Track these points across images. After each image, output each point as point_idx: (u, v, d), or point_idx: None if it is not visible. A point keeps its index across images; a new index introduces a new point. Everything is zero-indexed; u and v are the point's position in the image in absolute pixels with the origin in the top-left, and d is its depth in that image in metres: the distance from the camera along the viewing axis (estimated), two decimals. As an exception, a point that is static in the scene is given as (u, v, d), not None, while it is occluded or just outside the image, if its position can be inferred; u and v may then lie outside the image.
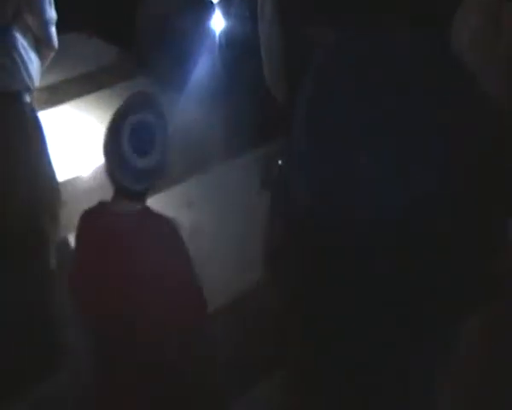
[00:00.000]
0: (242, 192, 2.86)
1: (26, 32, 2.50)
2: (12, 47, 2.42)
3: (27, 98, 2.54)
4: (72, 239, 2.65)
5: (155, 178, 1.68)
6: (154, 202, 2.78)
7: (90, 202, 2.79)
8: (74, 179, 3.02)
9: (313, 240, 1.21)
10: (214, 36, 3.53)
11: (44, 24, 2.52)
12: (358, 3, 2.07)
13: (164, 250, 1.66)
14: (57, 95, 3.72)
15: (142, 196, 1.71)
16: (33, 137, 2.45)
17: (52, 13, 2.55)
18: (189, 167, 3.04)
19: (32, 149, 2.43)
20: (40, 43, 2.59)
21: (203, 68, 3.51)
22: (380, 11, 1.36)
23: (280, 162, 2.66)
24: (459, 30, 1.94)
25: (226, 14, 3.49)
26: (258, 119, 3.18)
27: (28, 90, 2.53)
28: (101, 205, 1.78)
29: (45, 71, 2.87)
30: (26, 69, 2.47)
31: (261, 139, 3.16)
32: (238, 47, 3.47)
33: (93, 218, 1.81)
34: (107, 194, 2.88)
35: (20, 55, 2.46)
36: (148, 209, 1.73)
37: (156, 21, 3.93)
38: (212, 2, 3.52)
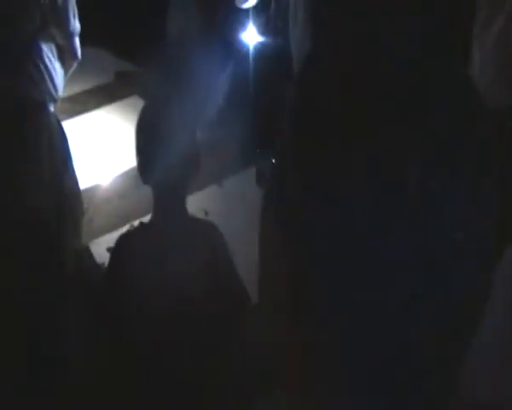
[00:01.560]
0: (258, 201, 2.91)
1: (52, 42, 2.57)
2: (38, 58, 2.50)
3: (52, 108, 2.61)
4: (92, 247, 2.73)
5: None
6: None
7: (111, 210, 2.90)
8: (95, 187, 3.09)
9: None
10: (248, 50, 3.54)
11: (69, 35, 2.60)
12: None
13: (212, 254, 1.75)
14: (77, 105, 3.81)
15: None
16: (58, 145, 2.52)
17: (76, 24, 2.62)
18: (205, 177, 3.10)
19: (57, 157, 2.50)
20: (64, 54, 2.66)
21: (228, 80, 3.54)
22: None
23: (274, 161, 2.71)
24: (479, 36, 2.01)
25: (260, 25, 3.47)
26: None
27: (53, 99, 2.60)
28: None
29: (67, 82, 2.95)
30: (52, 79, 2.55)
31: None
32: (273, 60, 3.47)
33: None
34: (127, 202, 2.98)
35: (46, 66, 2.53)
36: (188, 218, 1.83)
37: (180, 34, 4.00)
38: (245, 11, 3.46)
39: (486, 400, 0.99)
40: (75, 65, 2.76)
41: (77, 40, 2.67)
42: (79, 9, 2.69)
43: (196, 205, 2.95)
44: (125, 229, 2.77)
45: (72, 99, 3.82)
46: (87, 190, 2.96)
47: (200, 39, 3.69)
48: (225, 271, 1.85)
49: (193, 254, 1.81)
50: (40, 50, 2.52)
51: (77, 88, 3.98)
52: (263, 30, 3.47)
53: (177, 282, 1.76)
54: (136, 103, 3.96)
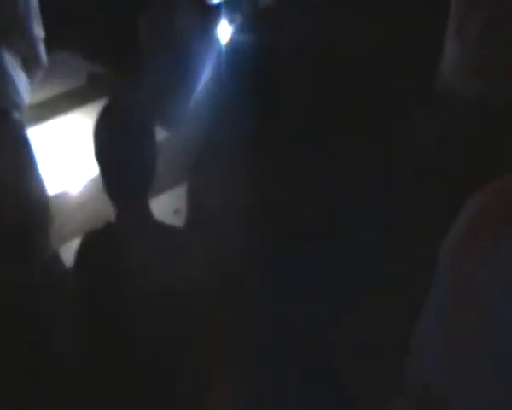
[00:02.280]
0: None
1: (13, 50, 2.56)
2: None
3: (16, 115, 2.60)
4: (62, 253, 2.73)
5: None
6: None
7: (83, 215, 2.90)
8: (66, 193, 3.09)
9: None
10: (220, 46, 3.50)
11: (32, 42, 2.57)
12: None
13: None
14: (46, 110, 3.80)
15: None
16: (21, 152, 2.51)
17: (39, 31, 2.60)
18: (175, 176, 3.11)
19: (20, 164, 2.50)
20: (28, 62, 2.64)
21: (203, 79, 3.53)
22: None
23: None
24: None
25: (233, 19, 3.47)
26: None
27: (17, 107, 2.59)
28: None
29: (35, 87, 2.94)
30: (14, 87, 2.53)
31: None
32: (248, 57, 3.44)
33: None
34: (97, 208, 2.99)
35: (8, 74, 2.51)
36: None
37: (154, 34, 4.01)
38: (217, 6, 3.51)
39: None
40: (41, 72, 2.75)
41: (41, 47, 2.64)
42: (48, 13, 2.69)
43: (167, 204, 2.97)
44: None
45: (43, 104, 3.82)
46: (58, 196, 2.96)
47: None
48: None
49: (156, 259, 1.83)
50: (1, 58, 2.51)
51: (48, 92, 3.98)
52: (235, 25, 3.46)
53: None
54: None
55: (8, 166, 2.46)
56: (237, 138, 2.33)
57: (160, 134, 3.53)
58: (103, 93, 4.05)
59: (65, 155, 3.45)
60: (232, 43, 3.44)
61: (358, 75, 2.59)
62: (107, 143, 1.80)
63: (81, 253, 1.93)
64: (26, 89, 2.65)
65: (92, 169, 3.30)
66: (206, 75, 3.52)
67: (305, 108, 2.17)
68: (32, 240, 2.48)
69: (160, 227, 1.91)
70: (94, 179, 3.20)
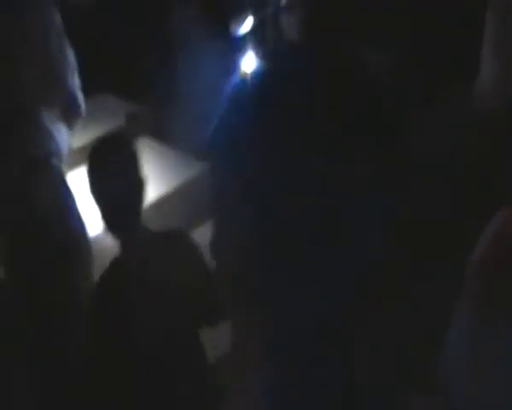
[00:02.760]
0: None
1: (52, 104, 2.64)
2: (38, 121, 2.56)
3: (56, 161, 2.69)
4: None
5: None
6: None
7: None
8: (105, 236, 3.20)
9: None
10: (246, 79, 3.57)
11: (70, 96, 2.64)
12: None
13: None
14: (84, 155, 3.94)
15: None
16: (60, 196, 2.62)
17: (75, 81, 2.66)
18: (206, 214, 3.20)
19: (60, 207, 2.60)
20: (67, 112, 2.72)
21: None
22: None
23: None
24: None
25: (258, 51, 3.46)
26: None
27: (58, 155, 2.69)
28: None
29: (75, 132, 3.03)
30: (53, 140, 2.61)
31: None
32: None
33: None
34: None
35: (47, 129, 2.58)
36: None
37: (186, 72, 4.12)
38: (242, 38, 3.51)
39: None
40: (79, 119, 2.81)
41: (79, 96, 2.70)
42: (83, 57, 2.75)
43: (205, 238, 3.03)
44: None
45: (84, 148, 3.96)
46: (99, 237, 3.06)
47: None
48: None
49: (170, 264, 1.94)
50: (40, 114, 2.57)
51: (89, 136, 4.13)
52: (261, 55, 3.50)
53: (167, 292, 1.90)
54: (148, 145, 4.10)
55: (49, 209, 2.57)
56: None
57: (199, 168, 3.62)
58: (142, 132, 4.19)
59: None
60: (257, 75, 3.50)
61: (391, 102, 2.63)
62: (96, 179, 1.91)
63: (97, 296, 2.02)
64: (65, 138, 2.73)
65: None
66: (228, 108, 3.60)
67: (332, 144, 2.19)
68: (73, 280, 2.60)
69: (166, 242, 2.00)
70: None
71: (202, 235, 3.07)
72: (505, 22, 2.10)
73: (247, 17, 3.28)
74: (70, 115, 2.73)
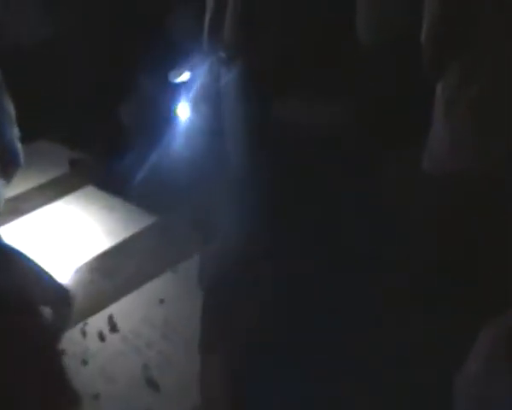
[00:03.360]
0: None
1: None
2: None
3: None
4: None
5: None
6: (127, 301, 2.83)
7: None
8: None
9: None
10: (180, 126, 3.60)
11: (7, 147, 2.52)
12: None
13: None
14: (28, 202, 3.76)
15: None
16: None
17: (14, 131, 2.56)
18: (160, 264, 3.05)
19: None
20: (4, 164, 2.59)
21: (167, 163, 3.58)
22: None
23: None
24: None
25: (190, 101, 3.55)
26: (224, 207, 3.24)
27: None
28: None
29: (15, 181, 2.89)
30: None
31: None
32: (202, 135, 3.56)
33: None
34: (90, 293, 2.91)
35: None
36: None
37: (133, 119, 4.04)
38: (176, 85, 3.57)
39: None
40: (17, 170, 2.69)
41: (17, 146, 2.59)
42: (22, 104, 2.66)
43: (151, 293, 2.89)
44: (77, 328, 2.69)
45: (21, 197, 3.78)
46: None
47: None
48: None
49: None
50: None
51: (30, 183, 3.95)
52: (195, 106, 3.55)
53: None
54: (92, 193, 3.95)
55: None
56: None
57: (145, 220, 3.51)
58: (86, 179, 4.04)
59: (51, 244, 3.38)
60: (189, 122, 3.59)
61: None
62: None
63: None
64: (2, 193, 2.59)
65: (81, 256, 3.30)
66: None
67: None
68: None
69: None
70: (82, 267, 3.16)
71: (151, 288, 2.96)
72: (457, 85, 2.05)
73: (185, 70, 3.33)
74: (8, 168, 2.59)
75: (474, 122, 1.97)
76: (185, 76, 3.36)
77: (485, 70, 1.95)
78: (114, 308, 2.79)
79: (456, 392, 0.99)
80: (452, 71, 2.01)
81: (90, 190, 3.96)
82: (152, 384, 2.36)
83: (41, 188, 3.98)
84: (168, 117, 3.62)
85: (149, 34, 3.88)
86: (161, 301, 2.81)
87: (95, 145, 4.13)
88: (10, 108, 2.54)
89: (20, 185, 3.89)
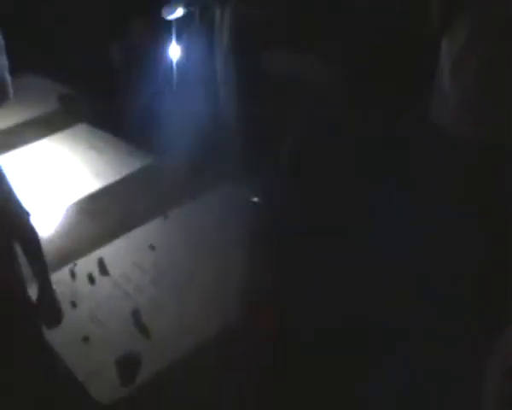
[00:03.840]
0: (204, 231, 2.84)
1: None
2: None
3: None
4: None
5: None
6: (117, 245, 2.80)
7: (51, 250, 2.78)
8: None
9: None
10: (172, 66, 3.55)
11: None
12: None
13: None
14: (16, 137, 3.68)
15: None
16: None
17: (3, 61, 2.49)
18: (150, 210, 3.01)
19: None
20: None
21: (158, 104, 3.52)
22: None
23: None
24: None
25: (182, 41, 3.49)
26: (215, 155, 3.21)
27: None
28: None
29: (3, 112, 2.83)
30: None
31: (219, 177, 3.17)
32: (193, 76, 3.51)
33: None
34: (69, 240, 2.87)
35: None
36: None
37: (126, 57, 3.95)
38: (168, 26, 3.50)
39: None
40: (6, 101, 2.64)
41: (6, 76, 2.53)
42: (13, 36, 2.59)
43: (141, 239, 2.86)
44: (66, 269, 2.67)
45: (12, 130, 3.69)
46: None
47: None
48: None
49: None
50: None
51: (17, 118, 3.85)
52: (187, 45, 3.50)
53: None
54: (83, 131, 3.87)
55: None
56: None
57: (136, 163, 3.45)
58: (77, 116, 3.95)
59: (37, 181, 3.32)
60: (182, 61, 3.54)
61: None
62: None
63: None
64: None
65: (70, 196, 3.24)
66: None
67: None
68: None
69: None
70: (73, 205, 3.12)
71: (141, 233, 2.93)
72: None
73: (178, 5, 3.24)
74: None
75: (481, 85, 1.93)
76: (179, 12, 3.27)
77: (494, 26, 1.89)
78: (104, 251, 2.76)
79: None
80: (460, 26, 1.94)
81: (81, 127, 3.92)
82: (142, 329, 2.35)
83: (29, 123, 3.90)
84: (160, 56, 3.55)
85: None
86: (152, 247, 2.78)
87: (85, 82, 4.03)
88: (0, 38, 2.46)
89: (7, 119, 3.81)
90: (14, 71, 2.60)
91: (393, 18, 2.40)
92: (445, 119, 2.04)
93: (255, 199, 2.97)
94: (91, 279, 2.60)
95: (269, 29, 3.19)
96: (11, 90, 2.52)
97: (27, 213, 2.45)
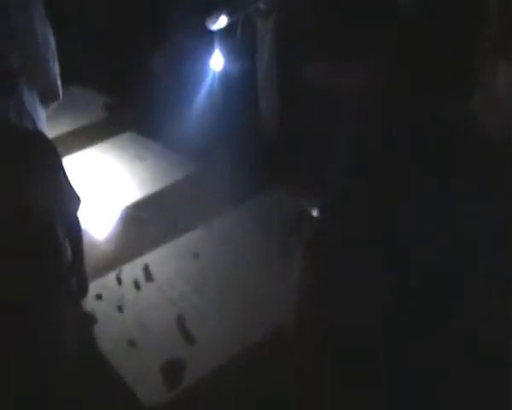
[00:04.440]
0: (247, 242, 2.88)
1: (32, 85, 2.56)
2: (19, 102, 2.47)
3: None
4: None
5: None
6: (162, 253, 2.85)
7: (97, 255, 2.84)
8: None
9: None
10: (214, 76, 3.61)
11: (49, 77, 2.60)
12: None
13: None
14: (64, 146, 3.77)
15: None
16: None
17: (56, 67, 2.63)
18: (193, 218, 3.06)
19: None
20: (45, 95, 2.66)
21: (201, 113, 3.58)
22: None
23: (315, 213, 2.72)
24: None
25: (225, 52, 3.56)
26: (258, 163, 3.25)
27: None
28: None
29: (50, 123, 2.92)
30: (33, 122, 2.53)
31: (262, 186, 3.21)
32: (235, 87, 3.57)
33: None
34: (115, 246, 2.93)
35: (27, 110, 2.51)
36: None
37: (165, 67, 4.04)
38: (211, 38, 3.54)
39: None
40: (56, 104, 2.77)
41: (58, 82, 2.67)
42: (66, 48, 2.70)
43: (185, 247, 2.91)
44: (113, 275, 2.73)
45: (57, 140, 3.78)
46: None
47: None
48: None
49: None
50: (21, 95, 2.50)
51: (65, 127, 3.95)
52: (229, 55, 3.56)
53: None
54: (130, 139, 3.94)
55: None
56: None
57: (183, 170, 3.50)
58: (123, 125, 4.04)
59: (83, 190, 3.39)
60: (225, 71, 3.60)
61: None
62: None
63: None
64: (43, 122, 2.66)
65: (110, 206, 3.31)
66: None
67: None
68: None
69: None
70: (119, 212, 3.19)
71: (184, 242, 2.98)
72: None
73: (221, 15, 3.29)
74: (49, 99, 2.67)
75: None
76: (222, 22, 3.32)
77: None
78: (149, 258, 2.82)
79: None
80: None
81: (126, 136, 4.00)
82: (187, 336, 2.39)
83: (75, 133, 3.99)
84: (202, 67, 3.62)
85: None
86: (195, 255, 2.82)
87: (129, 92, 4.12)
88: (53, 45, 2.60)
89: (54, 130, 3.90)
90: (61, 82, 2.73)
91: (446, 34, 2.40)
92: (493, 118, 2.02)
93: (304, 207, 2.99)
94: (137, 285, 2.66)
95: (311, 40, 3.22)
96: (61, 93, 2.68)
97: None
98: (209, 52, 3.55)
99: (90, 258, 2.71)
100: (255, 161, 3.28)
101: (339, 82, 3.11)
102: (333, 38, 3.13)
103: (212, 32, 3.44)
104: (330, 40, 3.15)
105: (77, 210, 2.43)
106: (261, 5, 3.35)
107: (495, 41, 1.97)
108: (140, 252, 2.87)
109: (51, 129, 3.63)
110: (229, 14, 3.33)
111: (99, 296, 2.60)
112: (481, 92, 2.09)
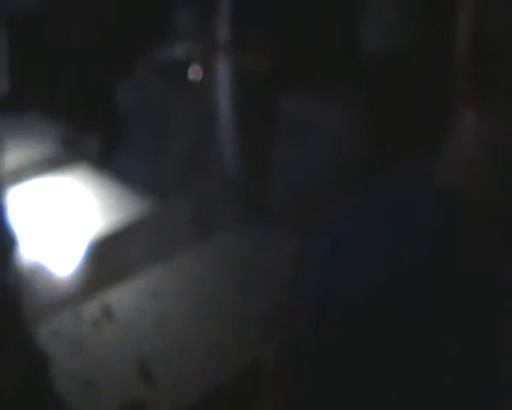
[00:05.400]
0: (209, 277, 2.85)
1: None
2: None
3: None
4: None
5: None
6: (122, 290, 2.79)
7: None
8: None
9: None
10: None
11: None
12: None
13: None
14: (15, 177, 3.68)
15: None
16: None
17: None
18: (153, 255, 3.01)
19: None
20: None
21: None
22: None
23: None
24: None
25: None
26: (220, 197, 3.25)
27: None
28: None
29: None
30: None
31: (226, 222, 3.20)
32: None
33: None
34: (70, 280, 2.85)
35: None
36: None
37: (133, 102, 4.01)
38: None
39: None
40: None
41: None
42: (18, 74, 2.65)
43: (145, 285, 2.85)
44: (70, 312, 2.64)
45: (13, 172, 3.69)
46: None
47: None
48: None
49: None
50: None
51: (17, 159, 3.85)
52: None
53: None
54: (85, 173, 3.86)
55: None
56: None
57: (140, 207, 3.45)
58: (80, 158, 3.96)
59: (33, 225, 3.31)
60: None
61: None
62: None
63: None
64: None
65: (73, 239, 3.22)
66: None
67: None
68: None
69: None
70: (76, 250, 3.10)
71: (145, 279, 2.92)
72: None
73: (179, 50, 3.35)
74: None
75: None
76: (180, 54, 3.36)
77: None
78: (108, 296, 2.75)
79: None
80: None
81: (83, 169, 3.92)
82: (147, 377, 2.33)
83: (29, 165, 3.89)
84: (165, 99, 3.61)
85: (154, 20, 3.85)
86: (155, 293, 2.77)
87: (88, 124, 4.06)
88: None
89: (9, 161, 3.80)
90: (16, 111, 2.66)
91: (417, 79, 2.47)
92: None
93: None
94: (95, 323, 2.59)
95: (284, 72, 3.24)
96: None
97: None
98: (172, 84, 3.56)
99: (46, 294, 2.65)
100: (218, 194, 3.27)
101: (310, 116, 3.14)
102: (305, 70, 3.15)
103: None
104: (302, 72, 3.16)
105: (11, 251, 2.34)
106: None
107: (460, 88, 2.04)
108: (98, 289, 2.79)
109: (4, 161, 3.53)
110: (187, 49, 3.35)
111: (55, 334, 2.51)
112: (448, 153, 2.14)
